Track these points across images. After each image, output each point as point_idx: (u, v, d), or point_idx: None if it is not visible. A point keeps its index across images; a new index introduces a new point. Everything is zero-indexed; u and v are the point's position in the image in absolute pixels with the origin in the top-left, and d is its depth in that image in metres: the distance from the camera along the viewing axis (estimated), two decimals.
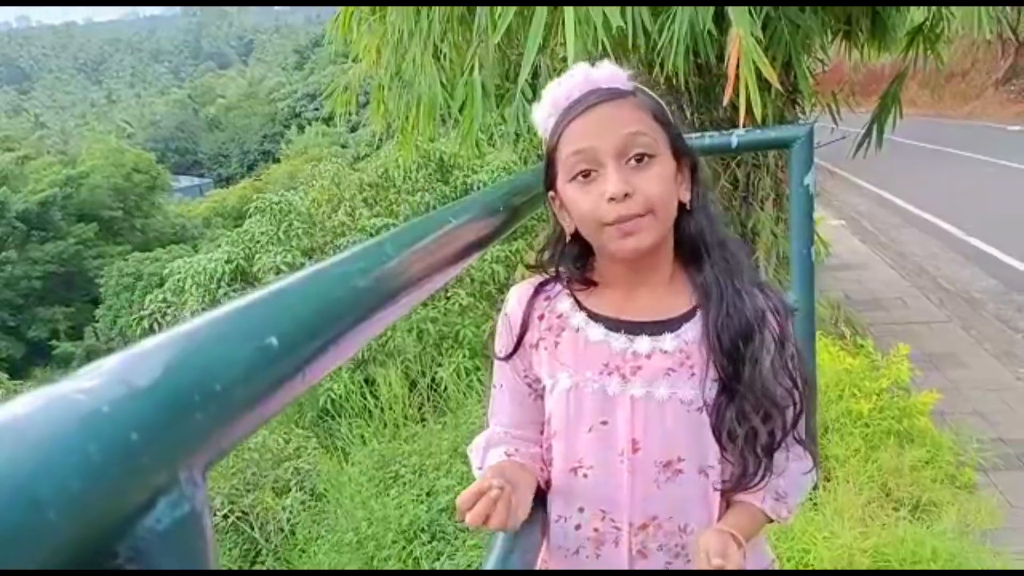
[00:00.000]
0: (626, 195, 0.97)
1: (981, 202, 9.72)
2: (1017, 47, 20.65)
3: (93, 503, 0.24)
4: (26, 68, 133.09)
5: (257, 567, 5.30)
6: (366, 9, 4.42)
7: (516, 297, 1.14)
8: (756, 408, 1.02)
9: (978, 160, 13.00)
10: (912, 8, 4.49)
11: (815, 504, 2.69)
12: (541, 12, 1.93)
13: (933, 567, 2.33)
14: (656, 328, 1.06)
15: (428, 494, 5.12)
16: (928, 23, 4.34)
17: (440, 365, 7.28)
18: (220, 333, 0.34)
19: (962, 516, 2.69)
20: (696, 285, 1.07)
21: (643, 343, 1.06)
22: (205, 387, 0.30)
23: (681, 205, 1.05)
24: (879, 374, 3.46)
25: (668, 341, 1.05)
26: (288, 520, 5.39)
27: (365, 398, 7.01)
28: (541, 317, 1.11)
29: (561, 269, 1.12)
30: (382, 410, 6.82)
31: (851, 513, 2.54)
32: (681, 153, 1.04)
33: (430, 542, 4.67)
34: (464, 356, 7.24)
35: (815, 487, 2.80)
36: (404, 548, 4.70)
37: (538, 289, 1.13)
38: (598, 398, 1.06)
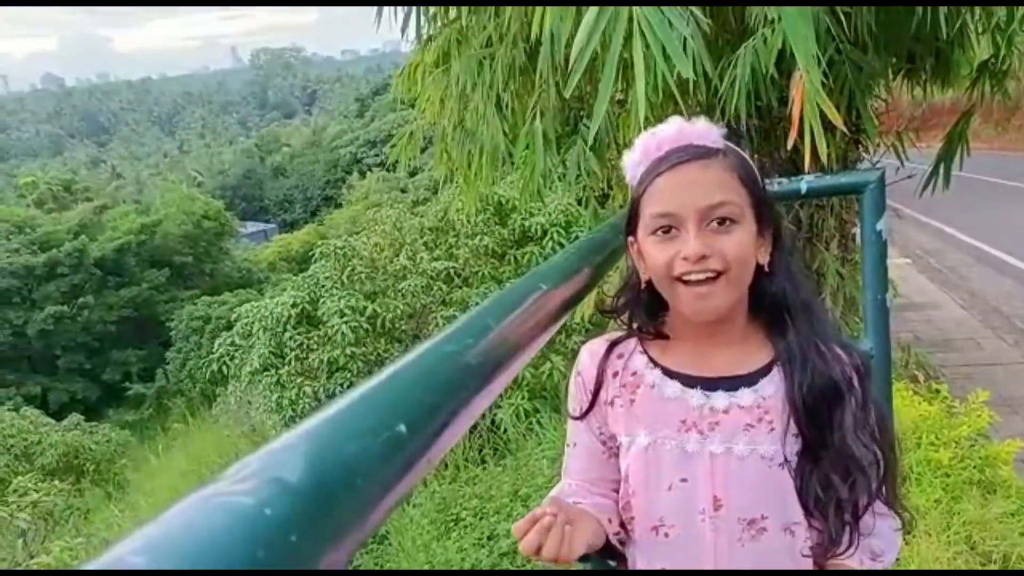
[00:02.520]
0: (704, 257, 0.98)
1: None
2: None
3: None
4: (104, 122, 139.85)
5: None
6: (430, 61, 4.54)
7: (589, 355, 1.15)
8: (840, 473, 1.01)
9: None
10: (978, 45, 4.41)
11: (898, 559, 2.58)
12: (611, 68, 1.97)
13: None
14: (732, 383, 1.06)
15: (489, 538, 5.09)
16: (996, 60, 4.25)
17: (499, 407, 7.27)
18: (355, 425, 0.35)
19: None
20: (776, 346, 1.07)
21: (720, 399, 1.05)
22: (349, 483, 0.32)
23: (760, 267, 1.05)
24: (957, 421, 3.33)
25: (745, 396, 1.05)
26: (351, 564, 5.42)
27: None
28: (615, 375, 1.12)
29: (633, 320, 1.12)
30: None
31: (937, 567, 2.44)
32: (764, 216, 1.04)
33: None
34: (523, 398, 7.22)
35: None
36: None
37: (611, 347, 1.14)
38: (676, 455, 1.06)
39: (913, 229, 11.16)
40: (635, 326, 1.13)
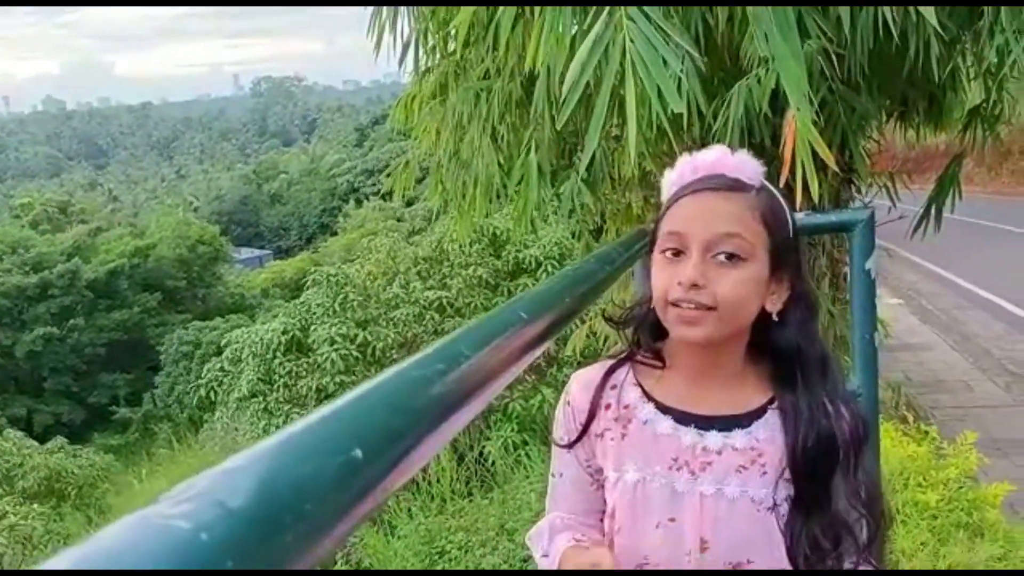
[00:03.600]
0: (696, 285, 0.98)
1: None
2: None
3: None
4: (103, 145, 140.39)
5: None
6: (427, 93, 4.58)
7: (580, 384, 1.13)
8: (830, 537, 1.00)
9: None
10: (970, 89, 4.46)
11: None
12: (603, 102, 1.98)
13: None
14: (726, 423, 1.05)
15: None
16: (987, 104, 4.30)
17: (488, 439, 7.23)
18: (308, 447, 0.34)
19: None
20: (778, 392, 1.05)
21: (713, 439, 1.04)
22: (296, 508, 0.30)
23: (768, 315, 1.04)
24: (945, 463, 3.32)
25: (739, 438, 1.04)
26: None
27: None
28: (608, 407, 1.10)
29: (636, 335, 1.12)
30: (429, 483, 6.77)
31: None
32: (782, 262, 1.03)
33: None
34: (512, 430, 7.18)
35: None
36: None
37: (604, 377, 1.12)
38: (665, 494, 1.04)
39: (906, 270, 11.22)
40: (636, 342, 1.12)
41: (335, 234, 40.00)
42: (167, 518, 0.27)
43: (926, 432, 3.86)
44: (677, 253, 1.01)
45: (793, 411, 1.03)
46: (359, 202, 44.18)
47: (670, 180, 1.09)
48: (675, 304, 1.00)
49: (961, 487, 3.20)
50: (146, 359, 26.24)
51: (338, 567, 5.69)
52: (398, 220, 29.69)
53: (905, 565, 2.75)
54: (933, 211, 4.64)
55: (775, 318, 1.04)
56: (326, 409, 0.38)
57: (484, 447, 7.08)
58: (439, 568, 5.35)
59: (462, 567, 5.22)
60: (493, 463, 6.97)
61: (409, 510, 6.38)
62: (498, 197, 4.57)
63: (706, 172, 1.04)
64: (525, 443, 6.99)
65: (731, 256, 0.99)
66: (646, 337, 1.11)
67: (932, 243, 5.66)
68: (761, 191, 1.04)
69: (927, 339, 7.62)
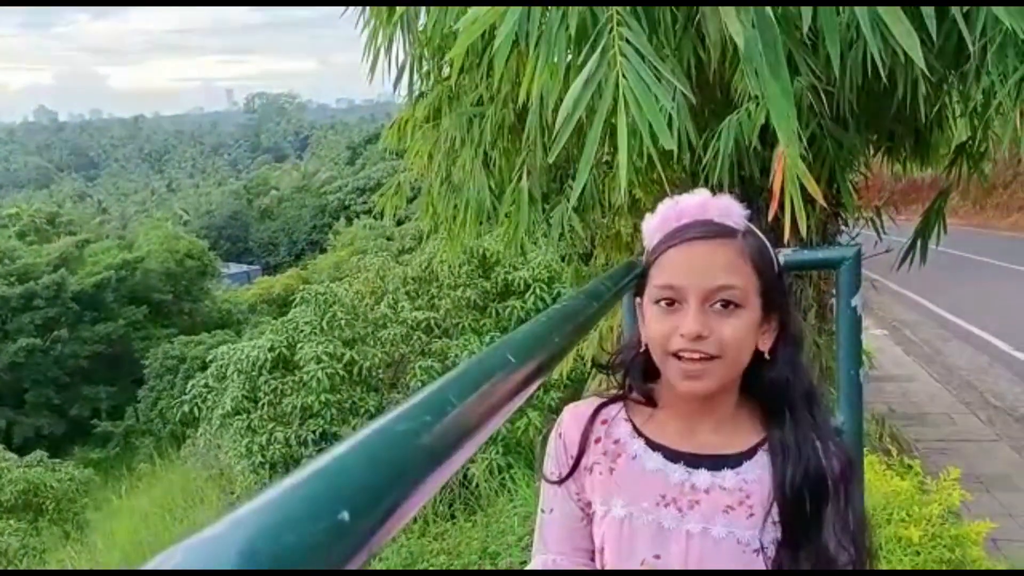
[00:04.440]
0: (700, 336, 0.98)
1: None
2: None
3: None
4: (94, 157, 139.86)
5: None
6: (420, 116, 4.61)
7: (572, 418, 1.13)
8: (816, 572, 1.00)
9: (1022, 272, 12.79)
10: (956, 127, 4.53)
11: None
12: (595, 135, 2.00)
13: None
14: (716, 463, 1.05)
15: None
16: (973, 142, 4.37)
17: (472, 461, 7.18)
18: (293, 511, 0.34)
19: None
20: (768, 431, 1.06)
21: (702, 477, 1.04)
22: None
23: (760, 352, 1.04)
24: (929, 498, 3.33)
25: (728, 478, 1.04)
26: None
27: None
28: (598, 440, 1.10)
29: (627, 380, 1.12)
30: None
31: None
32: (772, 302, 1.04)
33: None
34: (497, 452, 7.14)
35: None
36: None
37: (595, 412, 1.12)
38: (652, 530, 1.04)
39: (891, 301, 11.30)
40: (627, 385, 1.12)
41: (324, 251, 39.93)
42: None
43: (909, 466, 3.88)
44: (672, 302, 1.02)
45: (782, 448, 1.03)
46: (349, 220, 44.16)
47: (652, 226, 1.08)
48: (677, 356, 1.00)
49: (944, 523, 3.21)
50: (130, 373, 25.98)
51: None
52: (388, 239, 29.67)
53: None
54: (919, 244, 4.69)
55: (767, 356, 1.05)
56: (309, 468, 0.38)
57: (468, 469, 7.03)
58: None
59: None
60: (477, 486, 6.92)
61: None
62: (488, 219, 4.59)
63: (691, 219, 1.05)
64: (510, 466, 6.95)
65: (727, 304, 1.00)
66: (637, 381, 1.11)
67: (917, 275, 5.71)
68: (747, 234, 1.05)
69: (911, 371, 7.66)
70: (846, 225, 4.81)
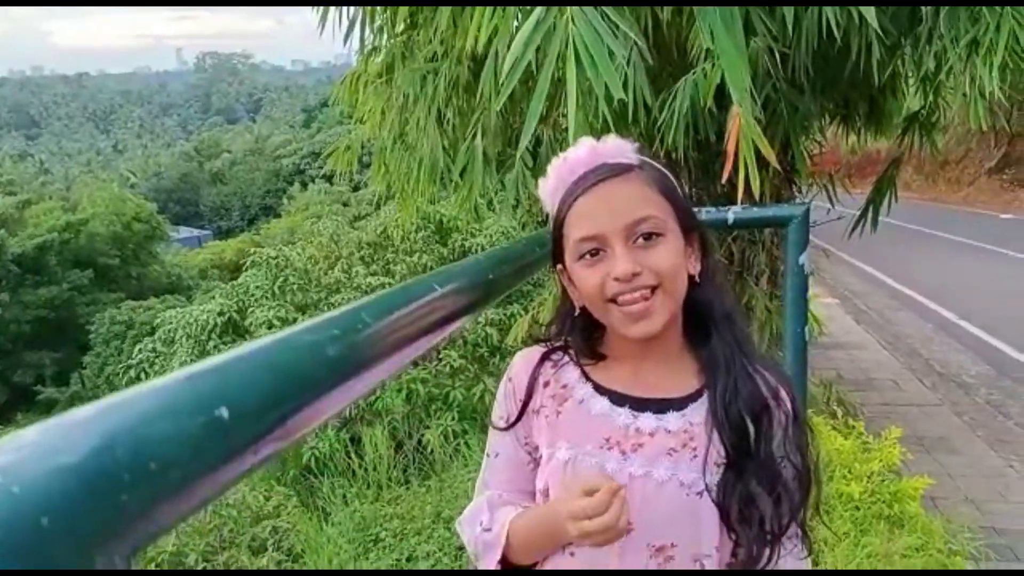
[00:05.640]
0: (634, 274, 0.96)
1: (974, 287, 9.79)
2: (1011, 138, 21.12)
3: None
4: (35, 115, 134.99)
5: None
6: (373, 72, 4.50)
7: (522, 362, 1.12)
8: (765, 487, 0.99)
9: (971, 246, 13.16)
10: (909, 95, 4.59)
11: None
12: (544, 83, 1.96)
13: None
14: (661, 406, 1.04)
15: (408, 559, 5.00)
16: (924, 110, 4.43)
17: (428, 427, 7.17)
18: (165, 404, 0.31)
19: None
20: (703, 360, 1.05)
21: (647, 420, 1.03)
22: (137, 466, 0.27)
23: (692, 277, 1.04)
24: (870, 456, 3.41)
25: (673, 421, 1.03)
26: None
27: (350, 457, 6.89)
28: (546, 384, 1.09)
29: (570, 347, 1.10)
30: (366, 470, 6.69)
31: None
32: (688, 226, 1.03)
33: None
34: (453, 419, 7.14)
35: None
36: None
37: (545, 356, 1.11)
38: (595, 473, 1.02)
39: (844, 272, 11.52)
40: (571, 346, 1.10)
41: (278, 216, 39.31)
42: None
43: (853, 427, 3.97)
44: (595, 252, 1.00)
45: (712, 365, 1.03)
46: (304, 185, 43.48)
47: (549, 187, 1.05)
48: (615, 300, 0.98)
49: (884, 480, 3.30)
50: (75, 338, 25.34)
51: (268, 553, 5.59)
52: (344, 205, 29.32)
53: (827, 554, 2.81)
54: (871, 211, 4.76)
55: (697, 280, 1.04)
56: (196, 366, 0.35)
57: (424, 435, 7.03)
58: (372, 555, 5.30)
59: (396, 555, 5.18)
60: (432, 451, 6.92)
61: (344, 497, 6.31)
62: (442, 181, 4.52)
63: (585, 168, 1.02)
64: (465, 432, 6.96)
65: (649, 235, 0.98)
66: (580, 345, 1.09)
67: (870, 247, 5.81)
68: (644, 166, 1.03)
69: (860, 338, 7.82)
70: (799, 192, 4.85)
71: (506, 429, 1.10)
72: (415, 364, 7.72)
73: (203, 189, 55.40)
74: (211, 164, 57.11)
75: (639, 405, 1.04)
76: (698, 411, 1.03)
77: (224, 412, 0.32)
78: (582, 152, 1.03)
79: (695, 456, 1.00)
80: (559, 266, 1.06)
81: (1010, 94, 3.11)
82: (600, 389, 1.06)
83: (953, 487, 4.03)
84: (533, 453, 1.10)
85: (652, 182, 1.01)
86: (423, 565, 4.82)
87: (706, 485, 0.99)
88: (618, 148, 1.03)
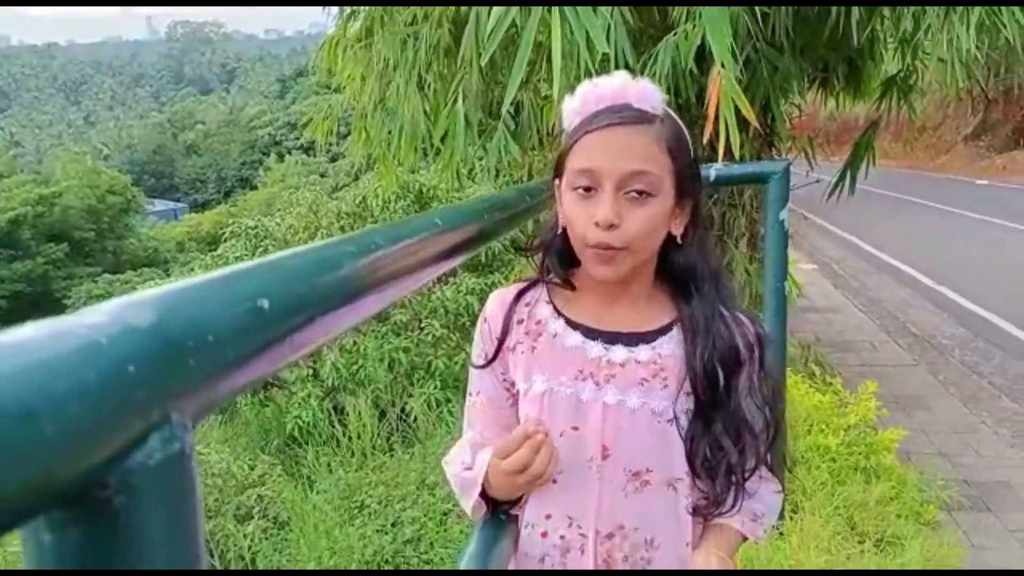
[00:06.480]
0: (612, 225, 0.99)
1: (950, 252, 9.93)
2: (987, 104, 21.30)
3: (88, 426, 0.24)
4: (4, 87, 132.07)
5: None
6: (352, 37, 4.46)
7: (497, 302, 1.15)
8: (732, 436, 1.05)
9: (948, 212, 13.32)
10: (887, 58, 4.62)
11: (781, 533, 2.70)
12: (526, 44, 1.96)
13: None
14: (632, 339, 1.08)
15: (393, 525, 5.05)
16: (902, 73, 4.47)
17: (411, 396, 7.21)
18: (216, 290, 0.34)
19: (925, 551, 2.71)
20: (680, 309, 1.09)
21: (619, 352, 1.07)
22: (198, 336, 0.30)
23: (673, 237, 1.07)
24: (847, 410, 3.51)
25: (643, 352, 1.07)
26: (249, 548, 5.28)
27: (333, 426, 6.92)
28: (520, 322, 1.13)
29: (546, 262, 1.13)
30: (350, 439, 6.73)
31: (817, 543, 2.57)
32: (685, 188, 1.06)
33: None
34: (435, 387, 7.18)
35: (781, 516, 2.82)
36: None
37: (518, 295, 1.14)
38: (571, 403, 1.07)
39: (823, 238, 11.63)
40: (546, 267, 1.14)
41: (255, 188, 38.92)
42: (70, 325, 0.26)
43: (830, 384, 4.06)
44: (588, 189, 1.02)
45: (691, 322, 1.07)
46: (281, 156, 42.97)
47: (572, 108, 1.07)
48: (591, 248, 1.03)
49: (860, 433, 3.40)
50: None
51: (255, 521, 5.63)
52: (321, 176, 29.07)
53: (806, 504, 2.90)
54: (848, 176, 4.82)
55: (678, 241, 1.08)
56: (241, 265, 0.38)
57: (407, 403, 7.07)
58: (358, 522, 5.35)
59: (382, 521, 5.23)
60: (415, 419, 6.96)
61: (329, 465, 6.35)
62: (424, 147, 4.50)
63: (610, 102, 1.04)
64: (448, 400, 7.01)
65: (641, 193, 1.01)
66: (555, 265, 1.13)
67: (849, 214, 5.87)
68: (665, 120, 1.05)
69: (838, 302, 7.93)
70: (779, 155, 4.89)
71: (484, 367, 1.15)
72: (397, 334, 7.75)
73: (178, 161, 54.66)
74: (185, 135, 56.28)
75: (610, 338, 1.08)
76: (667, 344, 1.08)
77: (265, 303, 0.35)
78: (615, 83, 1.05)
79: (665, 386, 1.06)
80: (556, 180, 1.10)
81: (988, 54, 3.16)
82: (572, 324, 1.10)
83: (927, 442, 4.14)
84: (511, 389, 1.14)
85: (664, 139, 1.03)
86: (408, 530, 4.87)
87: (675, 413, 1.05)
88: (647, 93, 1.04)
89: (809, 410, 3.42)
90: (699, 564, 1.03)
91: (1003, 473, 3.81)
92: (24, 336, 0.25)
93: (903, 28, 3.10)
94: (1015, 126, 20.59)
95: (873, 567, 2.42)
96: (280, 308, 0.38)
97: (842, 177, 4.84)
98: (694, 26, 3.02)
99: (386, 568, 4.63)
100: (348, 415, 6.81)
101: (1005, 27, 2.82)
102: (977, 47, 2.78)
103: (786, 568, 2.33)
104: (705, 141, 3.05)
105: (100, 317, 0.28)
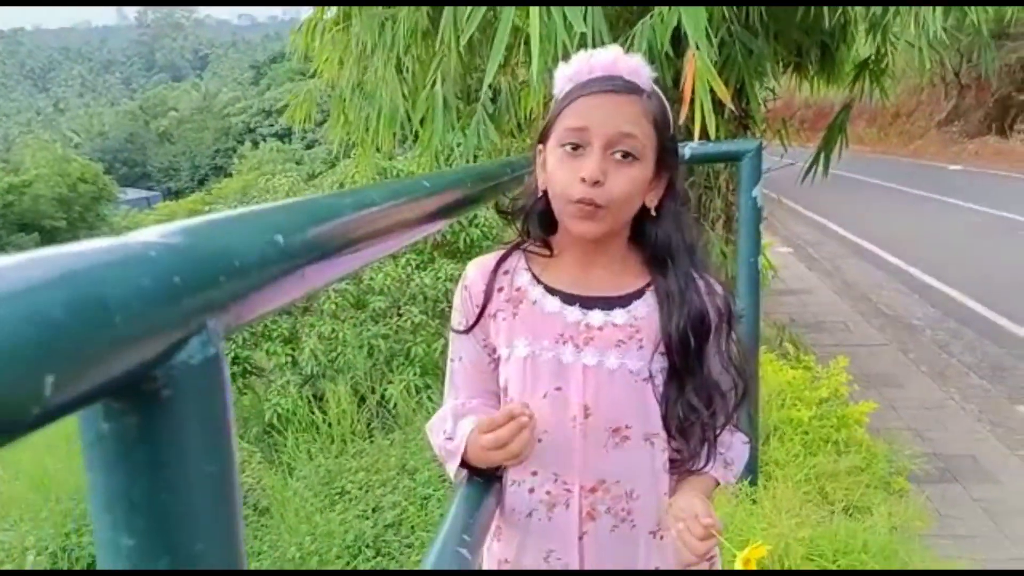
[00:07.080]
0: (597, 182, 1.04)
1: (923, 236, 10.10)
2: (960, 90, 21.58)
3: (145, 324, 0.27)
4: None
5: None
6: (330, 20, 4.45)
7: (478, 270, 1.19)
8: (704, 399, 1.11)
9: (921, 196, 13.52)
10: (859, 42, 4.70)
11: (754, 500, 2.78)
12: (504, 26, 1.99)
13: (864, 558, 2.44)
14: (609, 303, 1.14)
15: (374, 510, 5.07)
16: (874, 57, 4.54)
17: (390, 382, 7.22)
18: (239, 225, 0.39)
19: (893, 518, 2.81)
20: (653, 275, 1.15)
21: (596, 316, 1.13)
22: (227, 260, 0.34)
23: (647, 209, 1.12)
24: (819, 384, 3.60)
25: (619, 316, 1.13)
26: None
27: (313, 413, 6.92)
28: (501, 289, 1.17)
29: (525, 224, 1.18)
30: (330, 425, 6.73)
31: (788, 509, 2.66)
32: (664, 162, 1.11)
33: (374, 558, 4.63)
34: (415, 374, 7.19)
35: (753, 482, 2.90)
36: (348, 564, 4.65)
37: (498, 263, 1.19)
38: (553, 365, 1.12)
39: (798, 222, 11.77)
40: (526, 230, 1.18)
41: (229, 176, 38.52)
42: (131, 241, 0.30)
43: (804, 361, 4.15)
44: (576, 147, 1.07)
45: (666, 293, 1.13)
46: (256, 143, 42.57)
47: (565, 74, 1.12)
48: (574, 203, 1.07)
49: (832, 407, 3.49)
50: None
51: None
52: (297, 163, 28.85)
53: (778, 474, 2.98)
54: (822, 158, 4.89)
55: (652, 213, 1.13)
56: (256, 207, 0.42)
57: (386, 390, 7.09)
58: (338, 507, 5.38)
59: (363, 506, 5.25)
60: (395, 406, 6.98)
61: (308, 452, 6.36)
62: (404, 132, 4.51)
63: (603, 72, 1.09)
64: (428, 386, 7.03)
65: (627, 155, 1.06)
66: (535, 228, 1.17)
67: (823, 198, 5.95)
68: (652, 96, 1.10)
69: (812, 284, 8.04)
70: (755, 138, 4.95)
71: (465, 332, 1.19)
72: (375, 321, 7.76)
73: (150, 149, 53.96)
74: (157, 123, 55.54)
75: (588, 303, 1.14)
76: (641, 307, 1.14)
77: (280, 239, 0.40)
78: (608, 55, 1.10)
79: (641, 347, 1.12)
80: (540, 146, 1.14)
81: (959, 39, 3.22)
82: (551, 290, 1.15)
83: (896, 417, 4.25)
84: (492, 354, 1.19)
85: (650, 113, 1.08)
86: (389, 515, 4.89)
87: (650, 372, 1.11)
88: (637, 68, 1.09)
89: (782, 385, 3.51)
90: (682, 506, 1.08)
91: (970, 447, 3.93)
92: (92, 246, 0.29)
93: (872, 11, 3.16)
94: (987, 112, 20.88)
95: (842, 531, 2.51)
96: (293, 245, 0.42)
97: (816, 159, 4.92)
98: (670, 9, 3.06)
99: (367, 552, 4.66)
100: (327, 402, 6.81)
101: (971, 11, 2.89)
102: (945, 30, 2.85)
103: (759, 534, 2.40)
104: (681, 123, 3.10)
105: (150, 236, 0.32)
